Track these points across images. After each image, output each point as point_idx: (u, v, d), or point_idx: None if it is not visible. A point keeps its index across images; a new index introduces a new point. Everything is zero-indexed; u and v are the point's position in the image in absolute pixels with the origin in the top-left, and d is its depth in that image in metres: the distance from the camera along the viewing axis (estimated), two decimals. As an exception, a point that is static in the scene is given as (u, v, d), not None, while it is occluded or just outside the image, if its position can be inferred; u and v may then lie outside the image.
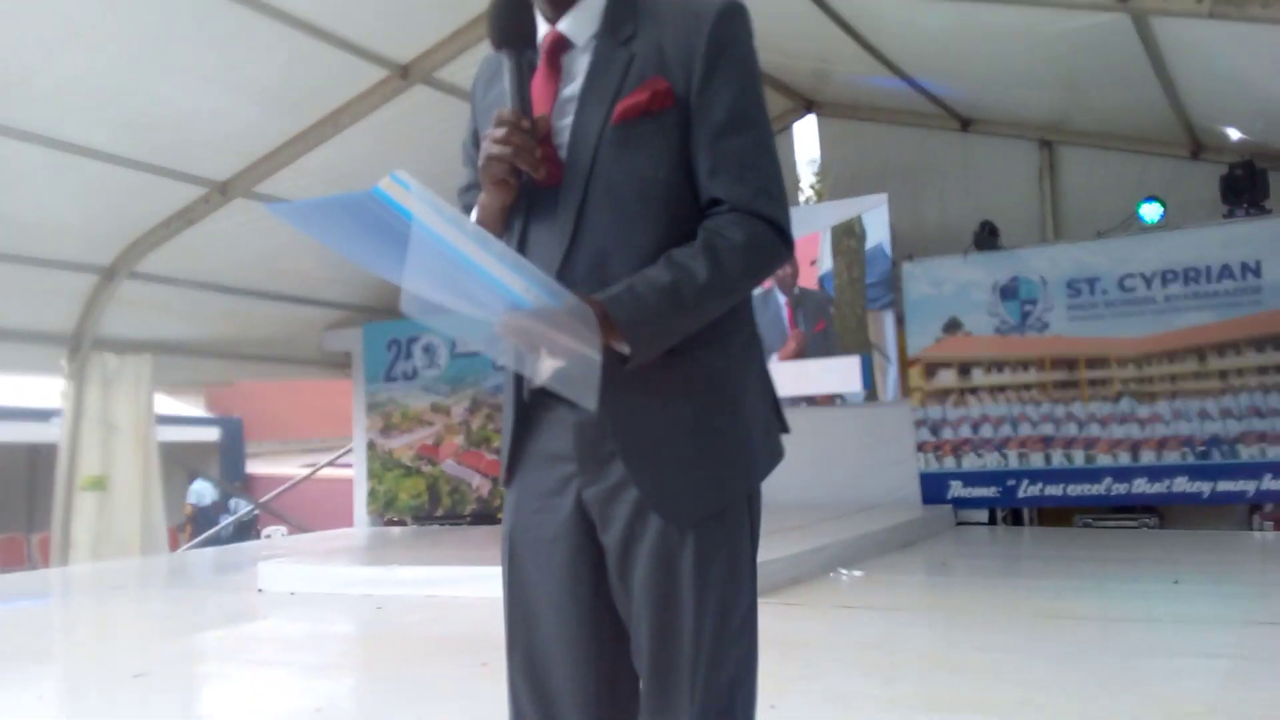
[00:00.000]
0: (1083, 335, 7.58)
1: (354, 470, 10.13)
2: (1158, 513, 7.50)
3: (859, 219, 8.49)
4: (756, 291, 1.54)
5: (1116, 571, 5.74)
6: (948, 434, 7.99)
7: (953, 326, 8.01)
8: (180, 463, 14.38)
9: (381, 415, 9.63)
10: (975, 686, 3.38)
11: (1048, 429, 7.67)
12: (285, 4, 5.75)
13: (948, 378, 8.02)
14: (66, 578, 7.42)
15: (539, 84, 1.48)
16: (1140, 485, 7.36)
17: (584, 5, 1.49)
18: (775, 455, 1.54)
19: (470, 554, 6.52)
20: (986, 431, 7.85)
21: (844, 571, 5.60)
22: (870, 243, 8.50)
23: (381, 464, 9.62)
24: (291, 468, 15.33)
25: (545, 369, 1.33)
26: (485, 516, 9.03)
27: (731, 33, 1.45)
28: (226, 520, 12.99)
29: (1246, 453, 7.09)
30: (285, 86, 6.52)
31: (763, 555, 1.53)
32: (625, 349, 1.34)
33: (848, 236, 8.65)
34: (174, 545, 10.60)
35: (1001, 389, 7.85)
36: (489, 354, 1.40)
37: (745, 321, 1.52)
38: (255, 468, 18.13)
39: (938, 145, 8.61)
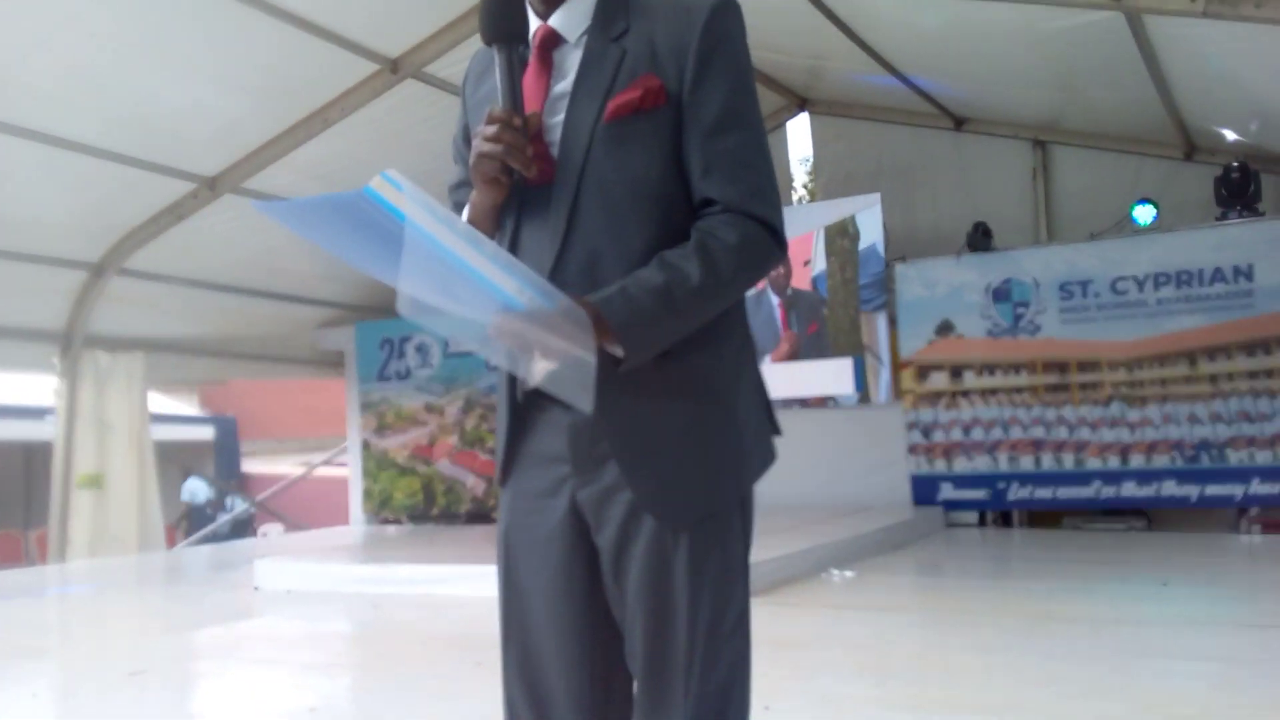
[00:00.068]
0: (1074, 338, 7.58)
1: (349, 469, 10.11)
2: (1146, 516, 7.53)
3: (853, 219, 8.48)
4: (750, 293, 1.54)
5: (1106, 573, 5.75)
6: (939, 437, 7.99)
7: (945, 329, 8.01)
8: (175, 461, 14.35)
9: (375, 415, 9.60)
10: (966, 687, 3.40)
11: (1038, 432, 7.68)
12: (274, -3, 5.71)
13: (940, 380, 8.02)
14: (63, 574, 7.40)
15: (530, 80, 1.47)
16: (1129, 488, 7.37)
17: (576, 0, 1.49)
18: (768, 458, 1.54)
19: (466, 553, 6.51)
20: (977, 434, 7.86)
21: (836, 572, 5.61)
22: (864, 243, 8.50)
23: (376, 463, 9.60)
24: (286, 466, 15.32)
25: (538, 371, 1.33)
26: (480, 516, 9.02)
27: (725, 29, 1.43)
28: (223, 518, 12.98)
29: (1235, 457, 7.10)
30: (274, 81, 6.48)
31: (754, 556, 1.54)
32: (619, 351, 1.34)
33: (841, 237, 8.63)
34: (171, 543, 10.58)
35: (993, 392, 7.86)
36: (483, 355, 1.40)
37: (739, 324, 1.52)
38: (250, 466, 18.10)
39: (931, 144, 8.62)
